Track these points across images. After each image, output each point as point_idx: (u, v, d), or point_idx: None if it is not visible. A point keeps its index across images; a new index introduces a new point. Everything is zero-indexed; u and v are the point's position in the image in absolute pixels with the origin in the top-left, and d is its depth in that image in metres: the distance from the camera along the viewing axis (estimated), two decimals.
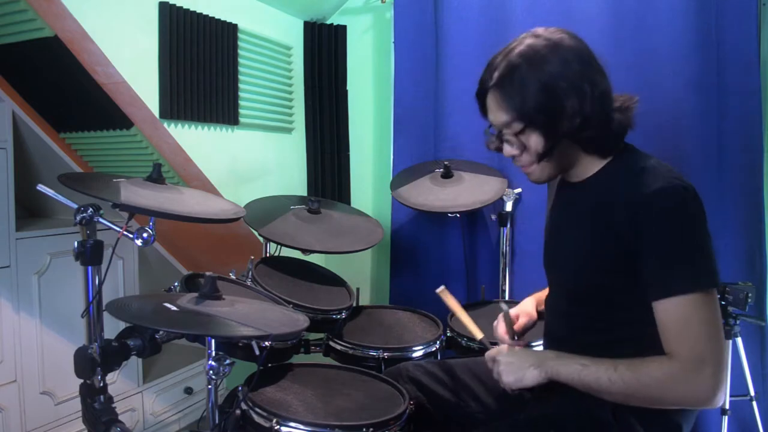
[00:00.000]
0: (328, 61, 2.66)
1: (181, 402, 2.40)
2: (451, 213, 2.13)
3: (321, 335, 1.80)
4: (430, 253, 2.44)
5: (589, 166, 1.17)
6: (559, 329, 1.26)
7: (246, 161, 2.35)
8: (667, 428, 1.10)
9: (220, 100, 2.13)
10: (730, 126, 1.90)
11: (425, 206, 2.10)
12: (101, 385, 1.28)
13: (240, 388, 1.27)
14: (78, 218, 1.26)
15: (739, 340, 1.76)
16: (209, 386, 1.23)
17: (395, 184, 2.25)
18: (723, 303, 1.74)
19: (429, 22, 2.38)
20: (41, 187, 1.26)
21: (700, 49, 1.92)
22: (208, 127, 2.14)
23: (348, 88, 2.72)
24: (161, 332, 1.29)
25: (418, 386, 1.40)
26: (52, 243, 1.95)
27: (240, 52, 2.21)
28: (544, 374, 1.12)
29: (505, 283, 2.24)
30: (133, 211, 1.26)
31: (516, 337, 1.38)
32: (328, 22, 2.70)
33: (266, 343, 1.36)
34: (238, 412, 1.25)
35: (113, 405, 1.31)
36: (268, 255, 2.08)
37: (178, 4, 1.93)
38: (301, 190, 2.70)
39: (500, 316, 1.39)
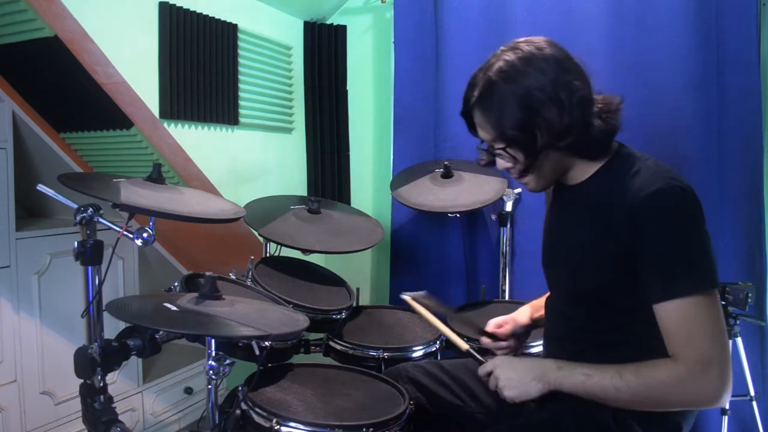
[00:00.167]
0: (328, 61, 2.66)
1: (181, 402, 2.40)
2: (451, 213, 2.13)
3: (321, 335, 1.80)
4: (430, 253, 2.44)
5: (585, 169, 1.17)
6: (559, 330, 1.26)
7: (246, 161, 2.35)
8: (667, 429, 1.10)
9: (220, 100, 2.13)
10: (730, 126, 1.91)
11: (425, 206, 2.10)
12: (101, 385, 1.28)
13: (240, 388, 1.27)
14: (78, 218, 1.26)
15: (739, 340, 1.76)
16: (209, 386, 1.23)
17: (395, 184, 2.25)
18: (723, 303, 1.74)
19: (429, 22, 2.38)
20: (41, 187, 1.26)
21: (700, 49, 1.92)
22: (208, 127, 2.14)
23: (348, 88, 2.72)
24: (161, 332, 1.29)
25: (418, 387, 1.40)
26: (52, 243, 1.95)
27: (240, 52, 2.21)
28: (547, 387, 1.11)
29: (505, 283, 2.24)
30: (133, 211, 1.26)
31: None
32: (328, 22, 2.70)
33: (266, 343, 1.36)
34: (238, 412, 1.25)
35: (113, 405, 1.31)
36: (268, 255, 2.08)
37: (178, 4, 1.93)
38: (301, 190, 2.70)
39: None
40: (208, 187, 2.13)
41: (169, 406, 2.35)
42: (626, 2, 2.02)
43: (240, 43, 2.21)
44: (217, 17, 2.09)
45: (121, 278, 2.17)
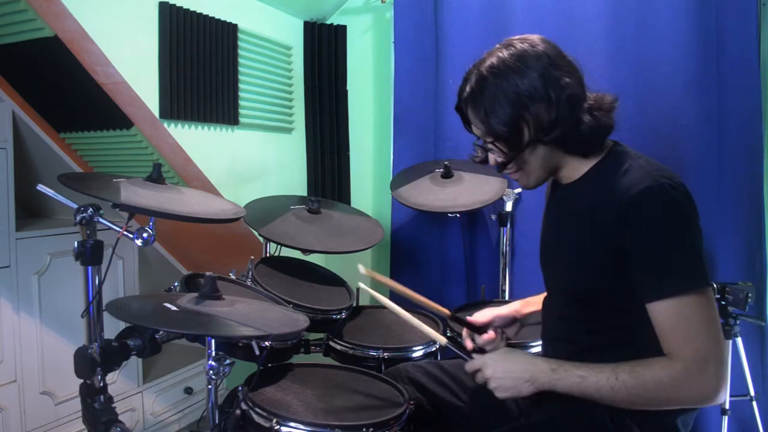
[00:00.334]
0: (328, 61, 2.66)
1: (181, 402, 2.40)
2: (451, 213, 2.13)
3: (321, 335, 1.80)
4: (430, 253, 2.44)
5: (578, 167, 1.17)
6: (556, 331, 1.26)
7: (246, 161, 2.35)
8: (664, 430, 1.10)
9: (220, 100, 2.13)
10: (730, 126, 1.91)
11: (425, 206, 2.09)
12: (101, 385, 1.28)
13: (240, 388, 1.27)
14: (78, 218, 1.26)
15: (739, 340, 1.76)
16: (209, 386, 1.23)
17: (395, 184, 2.25)
18: (723, 303, 1.74)
19: (429, 22, 2.38)
20: (41, 187, 1.26)
21: (700, 49, 1.92)
22: (208, 127, 2.14)
23: (348, 88, 2.72)
24: (161, 332, 1.29)
25: (418, 387, 1.40)
26: (52, 243, 1.95)
27: (240, 52, 2.21)
28: (540, 389, 1.11)
29: (505, 283, 2.24)
30: (133, 211, 1.26)
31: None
32: (328, 22, 2.70)
33: (266, 343, 1.36)
34: (238, 412, 1.25)
35: (113, 405, 1.31)
36: (268, 255, 2.08)
37: (178, 4, 1.93)
38: (301, 190, 2.70)
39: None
40: (208, 187, 2.13)
41: (169, 406, 2.35)
42: (626, 2, 2.02)
43: (240, 43, 2.21)
44: (217, 17, 2.09)
45: (121, 278, 2.17)
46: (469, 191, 2.11)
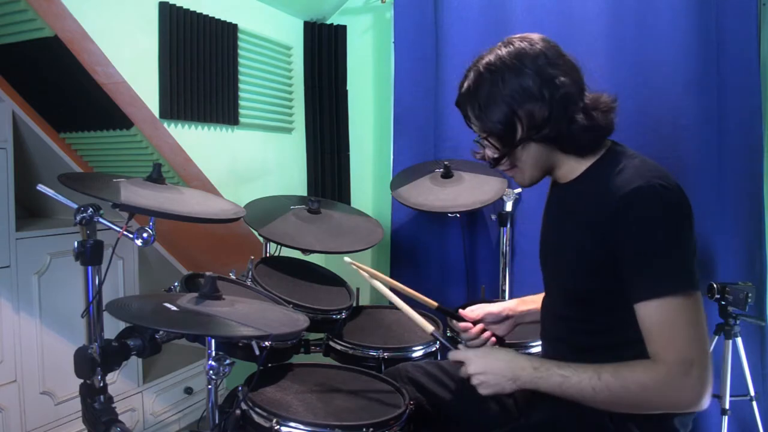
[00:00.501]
0: (328, 61, 2.66)
1: (181, 402, 2.40)
2: (451, 213, 2.13)
3: (321, 335, 1.80)
4: (430, 253, 2.44)
5: (575, 167, 1.17)
6: (556, 331, 1.25)
7: (246, 161, 2.35)
8: (663, 430, 1.10)
9: (220, 100, 2.13)
10: (730, 126, 1.91)
11: (425, 206, 2.09)
12: (101, 385, 1.27)
13: (240, 388, 1.27)
14: (78, 218, 1.26)
15: (739, 340, 1.77)
16: (209, 386, 1.23)
17: (395, 184, 2.25)
18: (723, 303, 1.75)
19: (429, 22, 2.38)
20: (41, 187, 1.26)
21: (700, 49, 1.92)
22: (208, 127, 2.14)
23: (348, 88, 2.72)
24: (161, 332, 1.29)
25: (418, 387, 1.40)
26: (52, 243, 1.95)
27: (240, 52, 2.22)
28: (521, 387, 1.11)
29: (505, 283, 2.24)
30: (133, 211, 1.26)
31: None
32: (328, 22, 2.70)
33: (266, 343, 1.36)
34: (238, 412, 1.25)
35: (113, 405, 1.31)
36: (268, 255, 2.08)
37: (178, 4, 1.93)
38: (301, 190, 2.70)
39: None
40: (208, 187, 2.13)
41: (169, 406, 2.35)
42: (626, 2, 2.02)
43: (240, 43, 2.21)
44: (217, 17, 2.09)
45: (121, 278, 2.17)
46: (469, 191, 2.11)
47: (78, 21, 1.61)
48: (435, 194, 2.12)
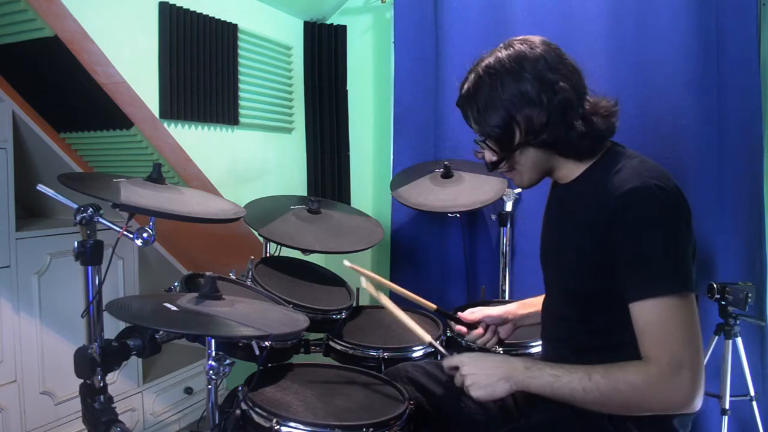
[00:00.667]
0: (328, 61, 2.66)
1: (181, 402, 2.40)
2: (451, 213, 2.13)
3: (321, 335, 1.80)
4: (430, 253, 2.44)
5: (574, 168, 1.17)
6: (557, 332, 1.26)
7: (246, 161, 2.35)
8: (663, 431, 1.10)
9: (220, 100, 2.13)
10: (730, 126, 1.91)
11: (425, 206, 2.09)
12: (101, 385, 1.28)
13: (240, 388, 1.27)
14: (78, 218, 1.26)
15: (739, 340, 1.77)
16: (209, 386, 1.23)
17: (395, 184, 2.25)
18: (723, 303, 1.75)
19: (429, 22, 2.38)
20: (41, 187, 1.26)
21: (700, 49, 1.92)
22: (208, 127, 2.14)
23: (348, 88, 2.72)
24: (161, 332, 1.29)
25: (418, 387, 1.40)
26: (52, 243, 1.95)
27: (240, 52, 2.22)
28: (514, 387, 1.10)
29: (505, 283, 2.24)
30: (133, 211, 1.26)
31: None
32: (328, 22, 2.70)
33: (266, 343, 1.36)
34: (238, 412, 1.25)
35: (113, 405, 1.31)
36: (268, 255, 2.08)
37: (178, 4, 1.93)
38: (301, 190, 2.70)
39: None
40: (208, 187, 2.13)
41: (169, 406, 2.35)
42: (626, 2, 2.02)
43: (240, 43, 2.21)
44: (217, 17, 2.09)
45: (121, 278, 2.17)
46: (469, 191, 2.11)
47: (78, 21, 1.61)
48: (435, 194, 2.12)
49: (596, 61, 2.01)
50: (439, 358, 1.70)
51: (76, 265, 1.29)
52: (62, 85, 1.88)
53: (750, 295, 1.68)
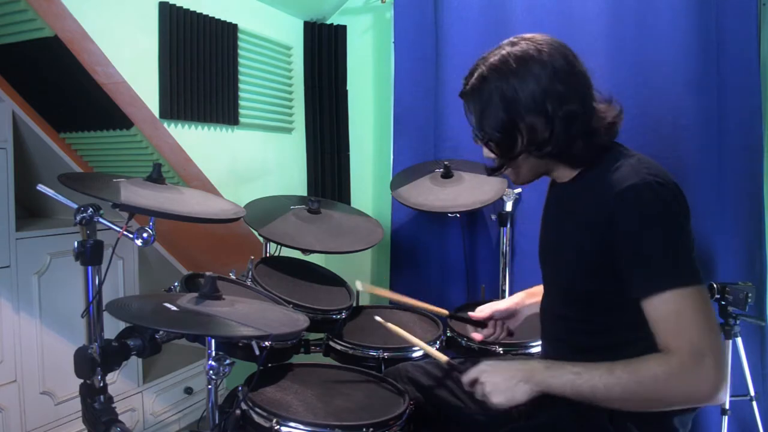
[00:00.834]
0: (328, 61, 2.66)
1: (181, 402, 2.40)
2: (451, 213, 2.13)
3: (321, 335, 1.80)
4: (430, 253, 2.44)
5: (572, 169, 1.17)
6: (555, 331, 1.26)
7: (246, 161, 2.35)
8: (663, 431, 1.10)
9: (220, 100, 2.13)
10: (730, 126, 1.91)
11: (425, 206, 2.09)
12: (101, 385, 1.28)
13: (240, 388, 1.27)
14: (78, 218, 1.26)
15: (739, 340, 1.76)
16: (209, 386, 1.23)
17: (395, 184, 2.25)
18: (723, 303, 1.74)
19: (429, 22, 2.38)
20: (41, 187, 1.26)
21: (700, 49, 1.92)
22: (208, 127, 2.14)
23: (348, 88, 2.72)
24: (161, 332, 1.29)
25: (418, 387, 1.40)
26: (52, 243, 1.95)
27: (240, 52, 2.22)
28: (536, 389, 1.06)
29: (505, 283, 2.24)
30: (133, 211, 1.26)
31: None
32: (328, 22, 2.70)
33: (266, 343, 1.36)
34: (238, 412, 1.25)
35: (113, 405, 1.31)
36: (268, 255, 2.08)
37: (178, 4, 1.93)
38: (301, 190, 2.70)
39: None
40: (208, 187, 2.13)
41: (169, 406, 2.35)
42: (626, 2, 2.02)
43: (240, 43, 2.21)
44: (217, 17, 2.09)
45: (121, 278, 2.17)
46: (469, 191, 2.11)
47: (78, 21, 1.61)
48: (435, 194, 2.12)
49: (596, 61, 2.00)
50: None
51: (76, 265, 1.29)
52: (62, 85, 1.88)
53: (750, 295, 1.67)
